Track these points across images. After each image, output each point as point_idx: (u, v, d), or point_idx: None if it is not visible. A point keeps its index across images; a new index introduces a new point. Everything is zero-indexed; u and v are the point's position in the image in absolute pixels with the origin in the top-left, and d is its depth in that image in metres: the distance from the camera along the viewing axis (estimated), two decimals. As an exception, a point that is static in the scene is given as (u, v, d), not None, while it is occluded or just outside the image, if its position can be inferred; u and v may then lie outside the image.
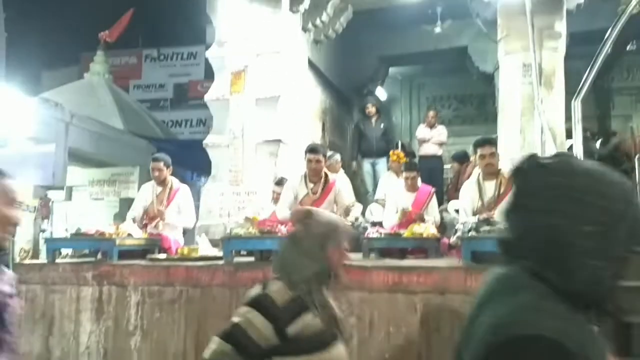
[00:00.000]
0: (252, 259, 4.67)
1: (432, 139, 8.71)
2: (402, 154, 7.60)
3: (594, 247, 0.97)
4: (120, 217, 9.97)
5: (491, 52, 7.70)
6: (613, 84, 10.76)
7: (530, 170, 1.08)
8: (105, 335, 4.45)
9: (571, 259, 0.98)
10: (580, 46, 7.37)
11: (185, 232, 5.91)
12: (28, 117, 8.07)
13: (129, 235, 4.97)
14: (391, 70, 11.36)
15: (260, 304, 1.84)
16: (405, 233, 4.97)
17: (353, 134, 8.68)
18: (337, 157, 7.34)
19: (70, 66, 16.76)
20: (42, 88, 14.04)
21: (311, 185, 5.22)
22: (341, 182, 5.68)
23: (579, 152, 4.31)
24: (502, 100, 6.76)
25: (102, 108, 10.94)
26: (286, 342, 1.79)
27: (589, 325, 1.00)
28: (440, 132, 8.81)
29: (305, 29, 7.58)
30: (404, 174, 6.10)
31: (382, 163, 8.20)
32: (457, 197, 6.26)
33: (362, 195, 7.92)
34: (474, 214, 4.75)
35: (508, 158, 5.87)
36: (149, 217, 5.58)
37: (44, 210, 8.65)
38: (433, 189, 6.10)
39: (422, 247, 4.99)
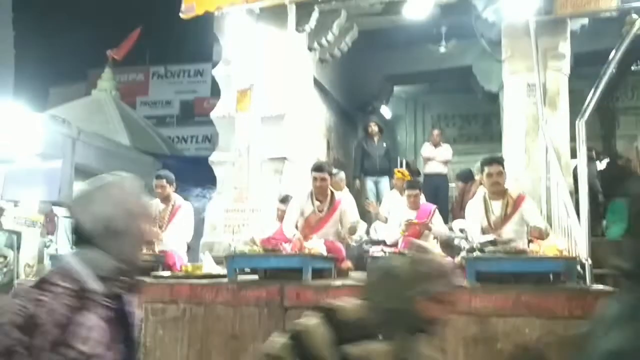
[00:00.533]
0: (256, 277, 4.67)
1: (437, 157, 8.74)
2: (406, 172, 7.61)
3: None
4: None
5: (496, 72, 7.74)
6: (618, 104, 10.78)
7: None
8: (108, 352, 4.42)
9: None
10: (584, 66, 7.39)
11: (188, 248, 5.92)
12: (35, 134, 8.15)
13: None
14: (396, 88, 11.42)
15: (328, 312, 1.76)
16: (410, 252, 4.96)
17: (356, 153, 8.73)
18: (342, 175, 7.36)
19: (77, 83, 16.94)
20: (49, 104, 14.19)
21: (317, 203, 5.25)
22: (346, 200, 5.70)
23: (583, 172, 4.30)
24: (507, 119, 6.78)
25: (109, 124, 11.04)
26: None
27: None
28: (445, 151, 8.84)
29: (311, 48, 7.65)
30: (406, 192, 6.12)
31: (384, 181, 8.22)
32: (461, 216, 6.27)
33: (366, 214, 7.92)
34: (482, 233, 4.74)
35: (513, 178, 5.88)
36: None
37: (50, 226, 8.69)
38: (435, 207, 6.11)
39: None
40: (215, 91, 7.93)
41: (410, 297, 1.71)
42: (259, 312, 4.08)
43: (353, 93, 9.92)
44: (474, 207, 4.96)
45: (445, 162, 8.83)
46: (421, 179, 9.01)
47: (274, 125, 6.96)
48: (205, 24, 7.37)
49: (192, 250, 6.04)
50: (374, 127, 8.51)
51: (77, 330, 1.34)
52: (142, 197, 1.58)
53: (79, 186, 1.79)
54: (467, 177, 7.53)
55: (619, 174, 7.40)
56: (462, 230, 5.81)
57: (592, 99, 4.42)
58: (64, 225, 9.41)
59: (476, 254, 4.12)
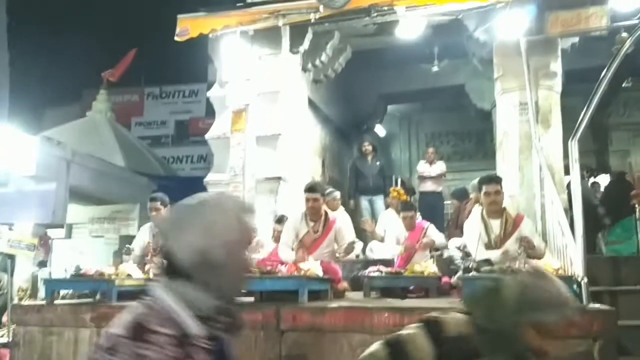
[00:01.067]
0: (252, 299, 4.64)
1: (432, 175, 8.79)
2: (402, 191, 7.63)
3: None
4: (119, 254, 9.93)
5: (488, 90, 7.81)
6: (610, 120, 10.88)
7: None
8: (103, 378, 4.37)
9: None
10: (576, 84, 7.48)
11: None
12: (29, 156, 8.11)
13: (129, 275, 4.94)
14: (390, 107, 11.50)
15: (430, 324, 1.69)
16: (406, 272, 4.97)
17: (350, 172, 8.77)
18: (336, 194, 7.37)
19: (72, 103, 16.94)
20: (44, 125, 14.17)
21: (312, 223, 5.25)
22: (341, 220, 5.70)
23: (576, 191, 4.33)
24: (500, 138, 6.83)
25: (104, 146, 11.02)
26: None
27: None
28: (440, 168, 8.90)
29: (305, 69, 7.71)
30: (402, 214, 6.16)
31: (379, 200, 8.24)
32: (457, 235, 6.28)
33: (362, 232, 7.91)
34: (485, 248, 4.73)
35: (507, 195, 5.90)
36: (146, 256, 5.58)
37: (44, 249, 8.64)
38: (428, 224, 6.16)
39: (423, 286, 4.99)
40: (210, 111, 7.97)
41: (518, 323, 1.58)
42: (255, 335, 4.04)
43: (347, 112, 9.98)
44: (473, 226, 4.96)
45: (440, 180, 8.87)
46: (416, 196, 9.06)
47: (269, 145, 7.00)
48: (200, 44, 7.43)
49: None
50: (367, 147, 8.56)
51: None
52: (245, 221, 1.30)
53: (173, 209, 1.40)
54: (462, 196, 7.55)
55: (625, 190, 7.43)
56: (459, 248, 5.82)
57: (584, 118, 4.46)
58: (59, 249, 9.39)
59: (472, 274, 4.11)
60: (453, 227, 7.23)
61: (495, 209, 4.79)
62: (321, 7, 6.49)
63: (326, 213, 5.36)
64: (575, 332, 3.48)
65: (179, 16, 7.03)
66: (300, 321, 3.98)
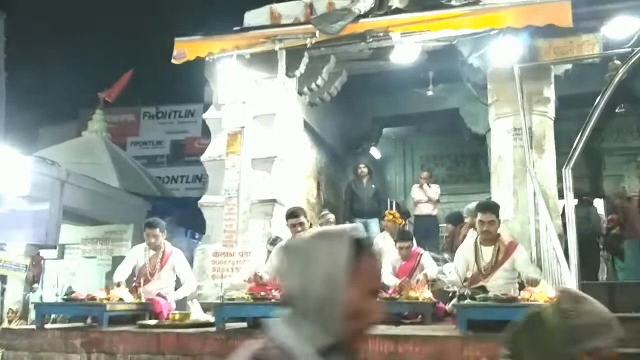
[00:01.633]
0: (244, 324, 4.60)
1: (427, 198, 8.80)
2: (397, 214, 7.62)
3: None
4: (112, 275, 9.82)
5: (482, 114, 7.87)
6: (604, 145, 10.96)
7: None
8: (92, 405, 4.30)
9: None
10: (569, 109, 7.55)
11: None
12: (23, 176, 8.08)
13: (120, 300, 4.89)
14: (385, 130, 11.56)
15: None
16: (401, 297, 4.94)
17: (346, 195, 8.78)
18: (330, 217, 7.36)
19: (68, 122, 16.97)
20: (40, 144, 14.16)
21: None
22: None
23: (570, 219, 4.34)
24: (495, 162, 6.86)
25: (99, 166, 11.00)
26: None
27: None
28: (435, 192, 8.91)
29: (301, 93, 7.76)
30: (398, 244, 6.12)
31: (374, 223, 8.22)
32: (452, 259, 6.26)
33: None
34: (469, 279, 4.72)
35: (502, 220, 5.91)
36: (139, 280, 5.50)
37: (36, 270, 8.55)
38: (422, 253, 6.12)
39: (418, 312, 4.96)
40: (206, 131, 7.98)
41: (574, 356, 1.41)
42: (247, 362, 3.99)
43: (343, 135, 10.02)
44: (464, 253, 4.96)
45: (435, 204, 8.88)
46: (411, 219, 9.05)
47: (264, 168, 7.01)
48: (196, 65, 7.47)
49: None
50: (363, 169, 8.59)
51: None
52: (360, 259, 1.18)
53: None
54: (456, 220, 7.55)
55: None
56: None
57: (577, 145, 4.50)
58: (51, 270, 9.30)
59: (467, 301, 4.09)
60: (448, 251, 7.21)
61: (488, 237, 4.78)
62: (317, 33, 6.56)
63: None
64: None
65: (176, 39, 7.08)
66: (294, 348, 3.93)
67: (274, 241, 6.10)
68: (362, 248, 1.19)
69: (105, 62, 17.35)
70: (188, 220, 10.01)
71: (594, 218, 8.14)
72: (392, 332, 4.10)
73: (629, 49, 6.04)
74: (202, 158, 7.33)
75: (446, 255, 6.86)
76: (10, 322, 7.66)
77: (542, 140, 6.58)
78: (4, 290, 8.29)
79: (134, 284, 5.46)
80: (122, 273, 5.53)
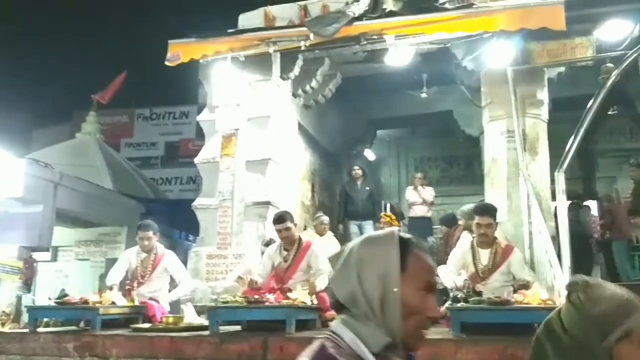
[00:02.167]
0: (238, 327, 4.59)
1: (421, 200, 8.81)
2: (393, 216, 7.62)
3: None
4: (105, 278, 9.79)
5: (476, 117, 7.89)
6: (596, 147, 11.00)
7: None
8: (85, 410, 4.28)
9: None
10: (563, 111, 7.58)
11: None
12: (16, 178, 8.05)
13: (113, 303, 4.87)
14: (379, 132, 11.57)
15: None
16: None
17: (340, 197, 8.78)
18: (324, 219, 7.36)
19: (61, 124, 16.89)
20: (33, 146, 14.09)
21: (284, 253, 5.16)
22: (322, 246, 5.64)
23: (563, 222, 4.35)
24: (488, 164, 6.88)
25: (92, 168, 10.96)
26: None
27: None
28: (429, 193, 8.92)
29: (295, 95, 7.76)
30: None
31: (368, 225, 8.22)
32: (445, 262, 6.26)
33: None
34: (470, 280, 4.72)
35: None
36: (132, 283, 5.49)
37: (29, 272, 8.50)
38: None
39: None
40: (200, 133, 7.97)
41: (609, 343, 1.23)
42: (241, 366, 3.98)
43: (337, 137, 10.02)
44: (460, 255, 4.96)
45: (429, 206, 8.90)
46: (405, 221, 9.06)
47: (258, 170, 7.00)
48: (191, 67, 7.45)
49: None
50: (357, 171, 8.60)
51: None
52: (413, 257, 1.20)
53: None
54: (450, 222, 7.55)
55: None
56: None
57: (570, 149, 4.51)
58: (44, 272, 9.25)
59: (461, 304, 4.10)
60: (442, 253, 7.22)
61: (485, 240, 4.79)
62: (311, 35, 6.56)
63: (300, 240, 5.21)
64: None
65: (170, 41, 7.05)
66: (288, 352, 3.92)
67: (267, 243, 6.09)
68: (410, 247, 1.21)
69: (99, 64, 17.30)
70: (182, 222, 9.99)
71: (584, 220, 8.18)
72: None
73: (622, 52, 6.08)
74: (196, 160, 7.31)
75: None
76: (3, 324, 7.61)
77: (535, 143, 6.61)
78: (-4, 292, 8.24)
79: (126, 287, 5.45)
80: (114, 276, 5.51)
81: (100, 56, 18.57)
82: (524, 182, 6.15)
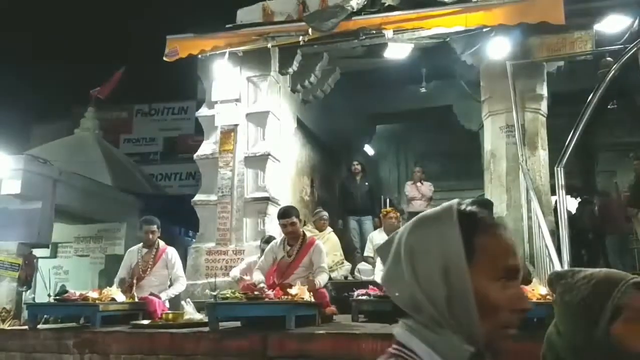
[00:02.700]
0: (238, 323, 4.59)
1: (420, 195, 8.80)
2: (397, 212, 7.58)
3: None
4: (105, 274, 9.81)
5: (475, 111, 7.87)
6: (596, 141, 10.97)
7: None
8: (85, 406, 4.29)
9: None
10: (562, 106, 7.56)
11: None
12: (15, 175, 8.04)
13: (113, 299, 4.87)
14: (379, 127, 11.56)
15: None
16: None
17: (339, 192, 8.77)
18: (324, 214, 7.35)
19: (60, 120, 16.83)
20: (32, 142, 14.07)
21: (288, 248, 5.15)
22: (321, 242, 5.65)
23: (563, 218, 4.35)
24: (488, 159, 6.87)
25: (92, 164, 10.93)
26: None
27: None
28: (428, 189, 8.92)
29: (294, 90, 7.74)
30: None
31: (367, 221, 8.22)
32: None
33: (351, 253, 7.89)
34: None
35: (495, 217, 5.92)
36: (133, 278, 5.50)
37: (28, 269, 8.50)
38: None
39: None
40: (199, 128, 7.95)
41: (619, 306, 1.15)
42: (241, 362, 3.99)
43: (336, 132, 10.01)
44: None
45: (429, 201, 8.89)
46: (405, 216, 9.05)
47: (258, 166, 6.99)
48: (189, 62, 7.42)
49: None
50: (356, 167, 8.58)
51: None
52: (487, 237, 0.93)
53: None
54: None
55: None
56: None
57: (570, 143, 4.51)
58: (43, 268, 9.25)
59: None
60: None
61: None
62: (310, 30, 6.53)
63: (304, 236, 5.22)
64: None
65: (168, 37, 7.03)
66: (287, 348, 3.93)
67: (267, 240, 6.09)
68: (476, 223, 0.93)
69: (97, 59, 17.21)
70: (181, 218, 9.98)
71: (587, 215, 8.20)
72: (386, 330, 4.10)
73: (621, 46, 6.07)
74: (195, 156, 7.30)
75: None
76: (3, 321, 7.62)
77: (534, 137, 6.60)
78: (-4, 289, 8.24)
79: (127, 282, 5.46)
80: (119, 276, 5.60)
81: (99, 52, 18.49)
82: (523, 177, 6.15)
